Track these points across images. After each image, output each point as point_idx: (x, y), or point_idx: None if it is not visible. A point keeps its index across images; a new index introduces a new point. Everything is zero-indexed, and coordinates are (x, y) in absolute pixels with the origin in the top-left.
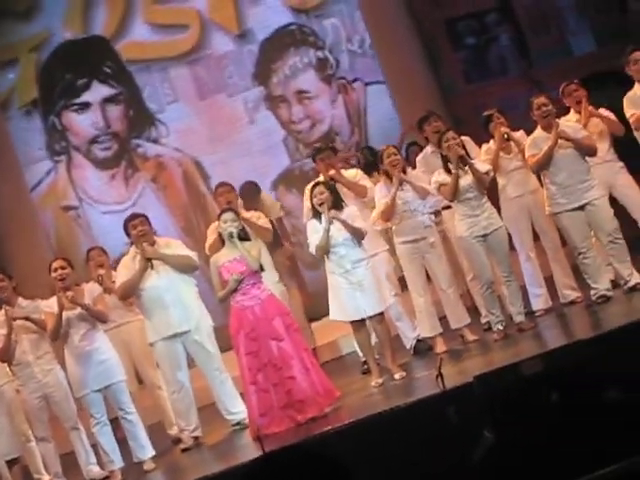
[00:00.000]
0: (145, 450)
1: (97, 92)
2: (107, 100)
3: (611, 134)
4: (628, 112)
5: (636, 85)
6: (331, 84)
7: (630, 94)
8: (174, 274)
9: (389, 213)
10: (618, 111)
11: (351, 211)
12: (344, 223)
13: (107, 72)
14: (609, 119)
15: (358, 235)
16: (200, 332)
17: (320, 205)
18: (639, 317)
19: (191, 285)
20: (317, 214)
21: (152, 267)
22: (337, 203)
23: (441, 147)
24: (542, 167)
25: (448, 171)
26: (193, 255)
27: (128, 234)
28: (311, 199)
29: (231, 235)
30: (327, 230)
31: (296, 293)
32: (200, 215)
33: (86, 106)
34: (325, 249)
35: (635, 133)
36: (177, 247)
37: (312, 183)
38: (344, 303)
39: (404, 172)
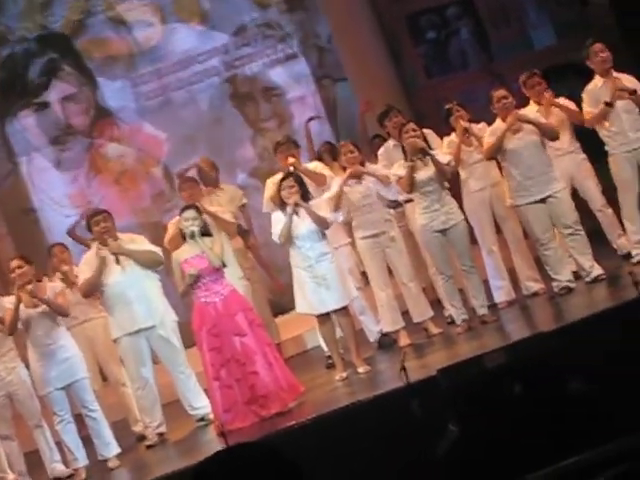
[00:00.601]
0: (109, 447)
1: (57, 91)
2: (67, 99)
3: (572, 124)
4: (587, 108)
5: (596, 77)
6: (300, 81)
7: (590, 87)
8: (138, 270)
9: (337, 201)
10: (578, 103)
11: (317, 202)
12: (308, 210)
13: (67, 70)
14: (569, 109)
15: (322, 224)
16: (165, 327)
17: (288, 197)
18: (601, 309)
19: (155, 280)
20: (283, 205)
21: (118, 262)
22: (305, 196)
23: (401, 139)
24: (493, 152)
25: None
26: (158, 250)
27: (90, 230)
28: (279, 191)
29: (193, 234)
30: (290, 215)
31: (260, 287)
32: (165, 217)
33: (45, 105)
34: (287, 236)
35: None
36: (142, 242)
37: (279, 175)
38: (309, 296)
39: (362, 165)
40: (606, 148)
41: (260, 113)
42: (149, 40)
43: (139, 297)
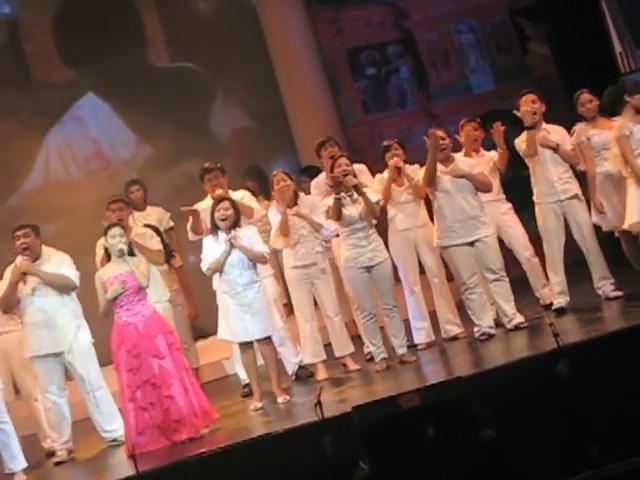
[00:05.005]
0: (17, 462)
1: None
2: None
3: (500, 174)
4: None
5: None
6: None
7: (518, 140)
8: (50, 292)
9: (285, 228)
10: (513, 150)
11: (250, 232)
12: (243, 249)
13: None
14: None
15: (259, 260)
16: (73, 354)
17: (222, 221)
18: (519, 357)
19: (68, 305)
20: (215, 230)
21: (25, 282)
22: (237, 221)
23: (333, 172)
24: (428, 182)
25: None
26: (74, 276)
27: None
28: (212, 214)
29: (122, 252)
30: (227, 252)
31: (183, 310)
32: None
33: None
34: (217, 270)
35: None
36: (60, 262)
37: (216, 198)
38: (233, 324)
39: (296, 196)
40: (533, 197)
41: None
42: None
43: (48, 321)
